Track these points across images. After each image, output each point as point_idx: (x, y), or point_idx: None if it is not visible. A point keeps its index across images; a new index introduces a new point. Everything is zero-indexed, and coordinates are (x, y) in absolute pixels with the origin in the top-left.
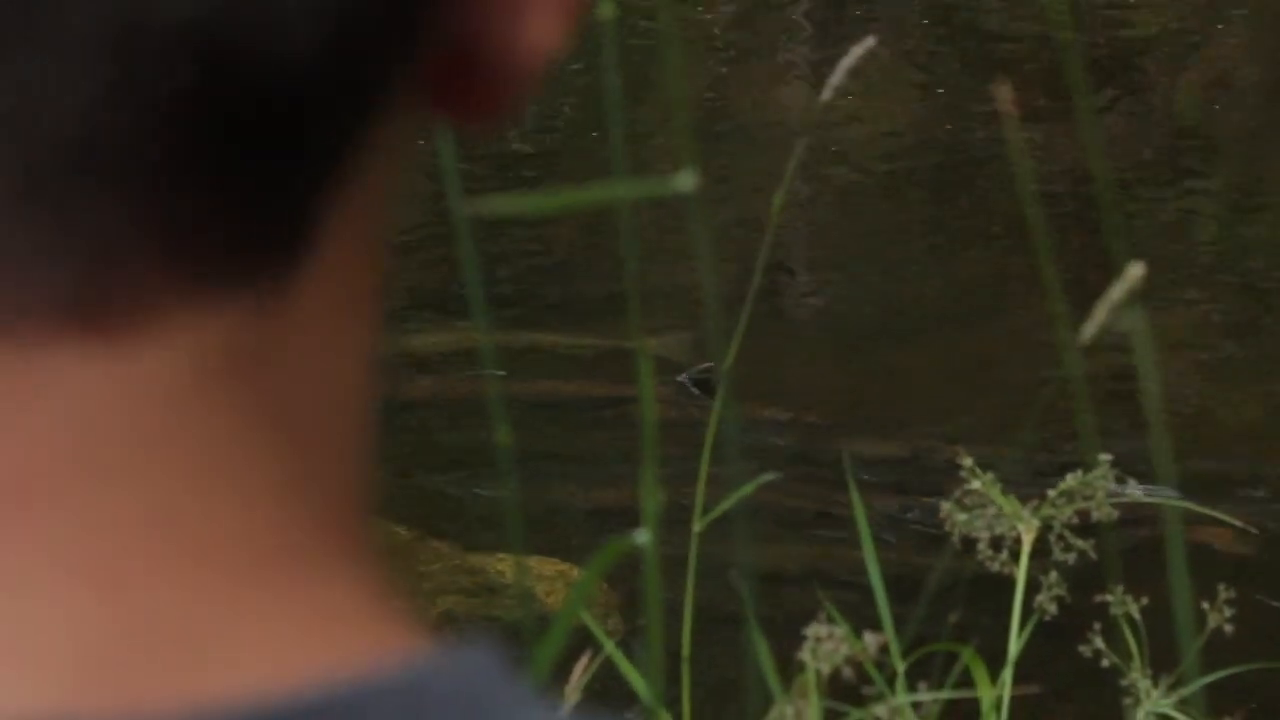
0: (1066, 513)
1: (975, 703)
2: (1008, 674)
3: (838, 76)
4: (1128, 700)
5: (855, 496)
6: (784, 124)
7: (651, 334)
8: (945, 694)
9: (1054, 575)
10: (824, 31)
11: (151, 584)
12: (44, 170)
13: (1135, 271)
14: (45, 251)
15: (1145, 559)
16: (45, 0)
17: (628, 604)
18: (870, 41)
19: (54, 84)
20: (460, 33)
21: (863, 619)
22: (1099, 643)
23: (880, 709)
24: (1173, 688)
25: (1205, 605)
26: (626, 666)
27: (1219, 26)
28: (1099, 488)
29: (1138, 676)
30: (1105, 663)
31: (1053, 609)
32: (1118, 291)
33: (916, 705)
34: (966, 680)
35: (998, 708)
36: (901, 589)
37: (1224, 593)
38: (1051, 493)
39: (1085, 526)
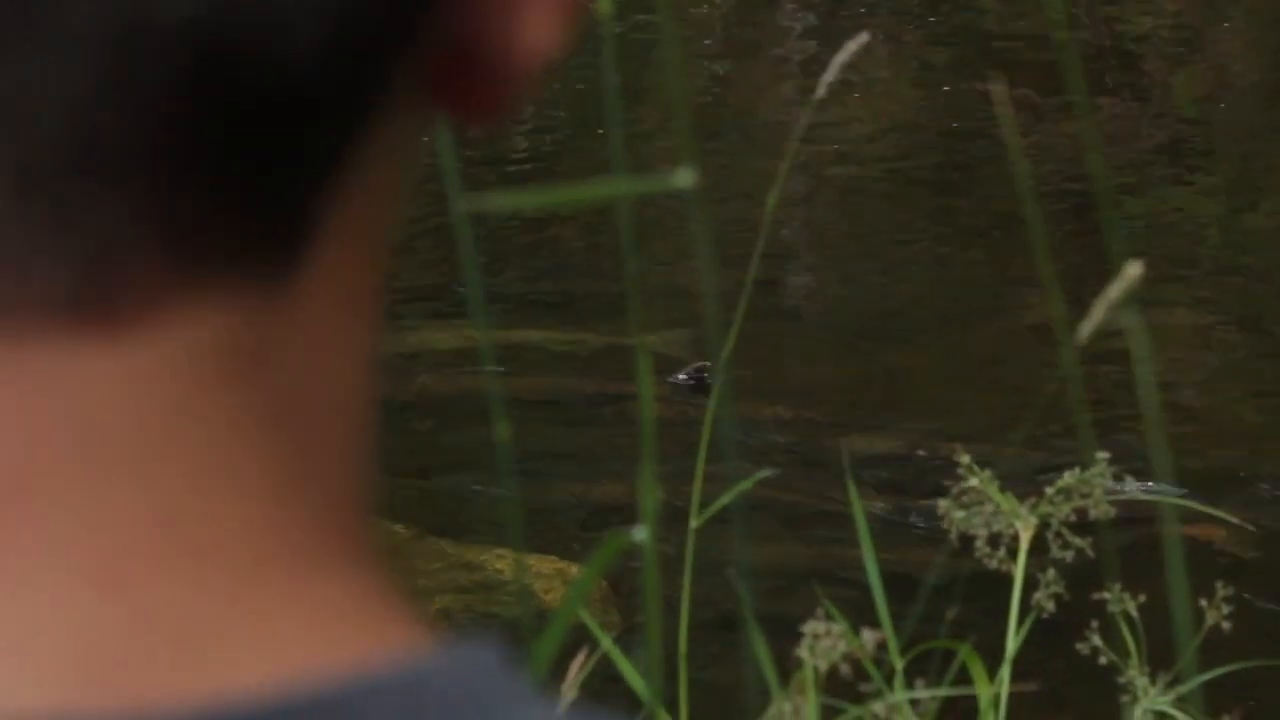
0: (1064, 510)
1: (973, 700)
2: (1005, 671)
3: (832, 73)
4: (1125, 698)
5: (853, 494)
6: (783, 122)
7: (650, 331)
8: (943, 691)
9: (1052, 573)
10: (823, 28)
11: (153, 582)
12: (42, 168)
13: (1133, 270)
14: (44, 249)
15: (1143, 557)
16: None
17: (625, 601)
18: (864, 37)
19: (53, 82)
20: (459, 33)
21: (861, 616)
22: (1097, 640)
23: (878, 706)
24: (1170, 685)
25: (1203, 603)
26: (624, 664)
27: (1220, 25)
28: (1097, 485)
29: (1135, 674)
30: (1103, 660)
31: (1050, 606)
32: (1116, 290)
33: (914, 702)
34: (964, 677)
35: (995, 705)
36: (899, 586)
37: (1222, 590)
38: (1049, 490)
39: (1083, 524)
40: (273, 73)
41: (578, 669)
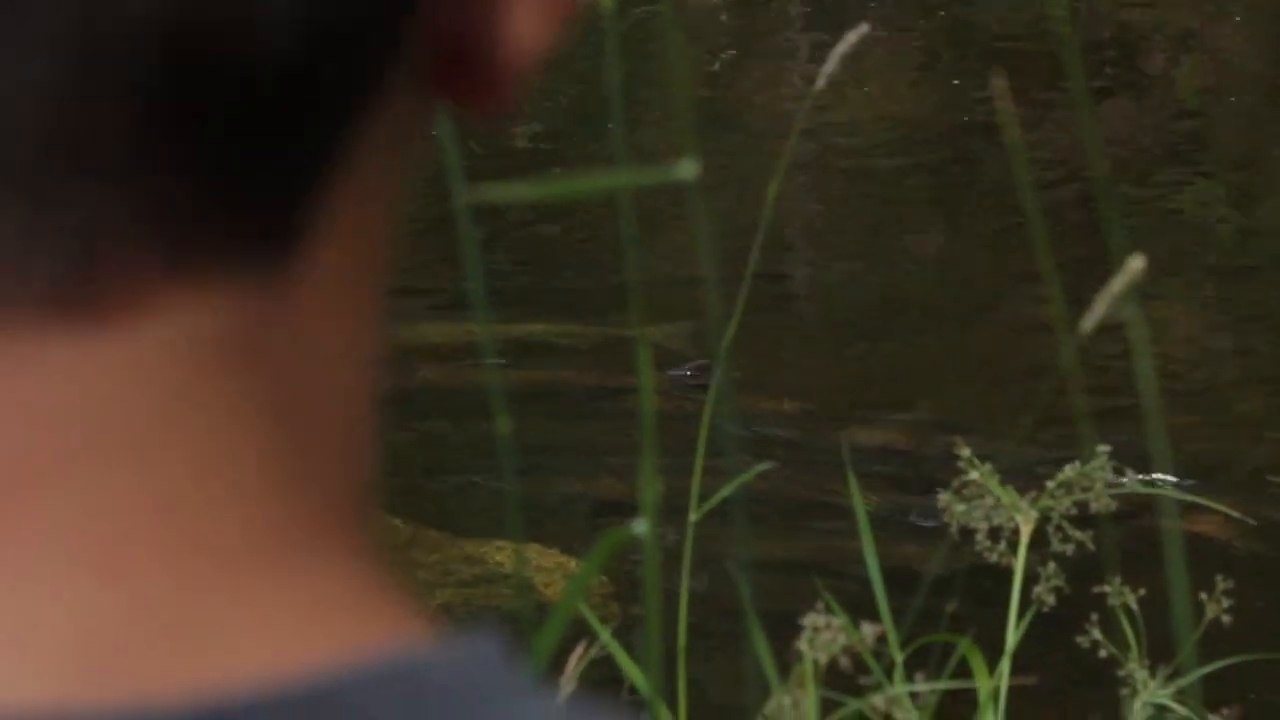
0: (1065, 504)
1: (973, 693)
2: (1005, 664)
3: (831, 64)
4: (1125, 691)
5: (854, 487)
6: (785, 114)
7: (651, 325)
8: (943, 684)
9: (1052, 566)
10: (823, 20)
11: (153, 570)
12: (17, 161)
13: (1136, 264)
14: (26, 240)
15: (1143, 550)
16: None
17: (625, 593)
18: (864, 28)
19: (21, 77)
20: (448, 30)
21: (860, 609)
22: (1097, 634)
23: (878, 699)
24: (1170, 679)
25: (1203, 596)
26: (623, 657)
27: (1222, 20)
28: (1097, 479)
29: (1135, 667)
30: (1103, 654)
31: (1051, 600)
32: (1118, 284)
33: (914, 695)
34: (964, 670)
35: (995, 698)
36: (899, 579)
37: (1222, 584)
38: (1050, 484)
39: (1083, 518)
40: (246, 64)
41: (576, 662)
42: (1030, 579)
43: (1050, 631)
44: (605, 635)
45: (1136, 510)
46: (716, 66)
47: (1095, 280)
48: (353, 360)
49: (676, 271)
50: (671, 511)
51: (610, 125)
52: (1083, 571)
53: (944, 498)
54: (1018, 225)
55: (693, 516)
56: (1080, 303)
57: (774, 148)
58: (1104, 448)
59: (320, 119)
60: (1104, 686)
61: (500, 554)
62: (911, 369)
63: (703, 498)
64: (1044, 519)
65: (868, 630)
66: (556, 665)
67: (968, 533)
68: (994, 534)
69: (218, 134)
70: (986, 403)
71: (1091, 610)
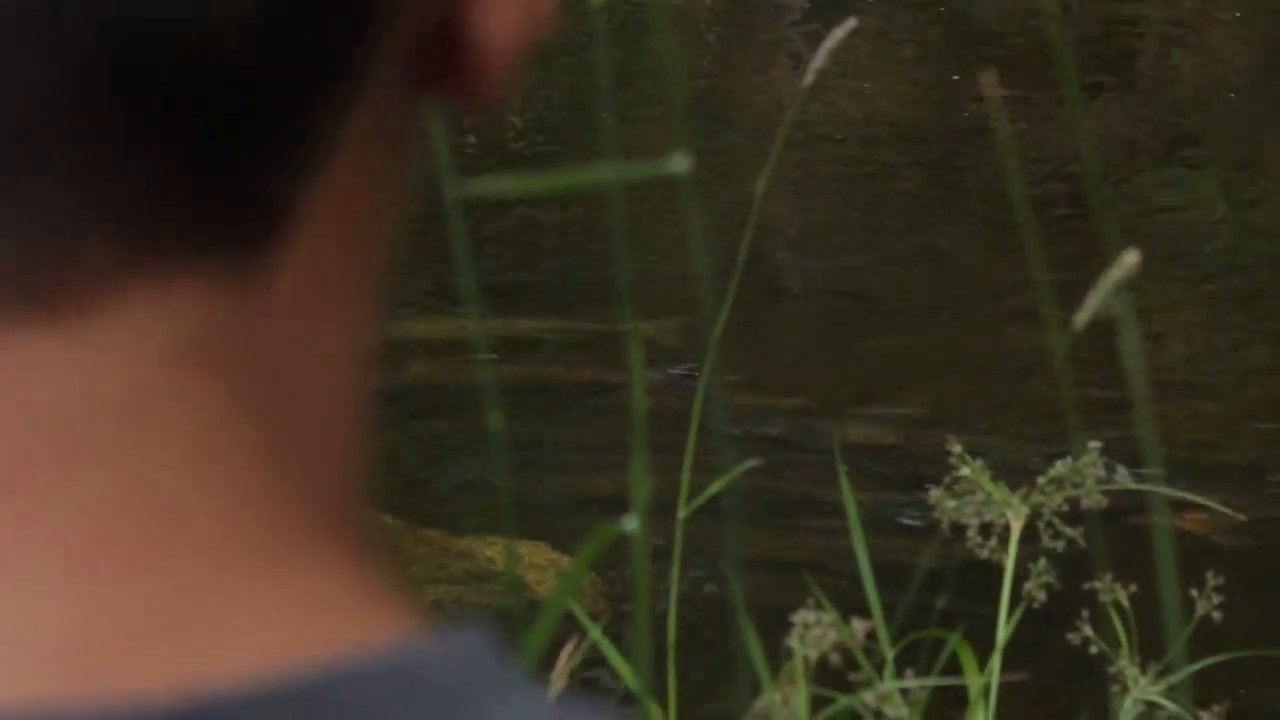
0: (1056, 500)
1: (963, 689)
2: (996, 660)
3: (820, 59)
4: (1115, 688)
5: (845, 483)
6: (777, 109)
7: (642, 320)
8: (933, 680)
9: (1043, 562)
10: (816, 14)
11: (135, 569)
12: None
13: (1129, 259)
14: None
15: (1134, 547)
16: None
17: (616, 590)
18: (852, 23)
19: None
20: (425, 24)
21: (851, 605)
22: (1087, 630)
23: (868, 695)
24: (1160, 675)
25: (1194, 593)
26: (613, 654)
27: (1213, 15)
28: (1088, 475)
29: (1126, 664)
30: (1093, 650)
31: (1041, 596)
32: (1111, 279)
33: (905, 691)
34: (955, 666)
35: (986, 694)
36: (890, 575)
37: (1212, 581)
38: (1041, 480)
39: (1074, 514)
40: (198, 60)
41: (566, 659)
42: (1021, 575)
43: (1041, 628)
44: (595, 632)
45: (1127, 507)
46: (715, 54)
47: (1087, 277)
48: (346, 359)
49: (669, 267)
50: (662, 508)
51: (604, 115)
52: (1073, 568)
53: (935, 494)
54: (1011, 222)
55: (681, 513)
56: (1073, 299)
57: (768, 143)
58: (1095, 444)
59: (284, 115)
60: (1094, 683)
61: (492, 550)
62: (902, 365)
63: (694, 494)
64: (1035, 515)
65: (858, 626)
66: (548, 661)
67: (959, 529)
68: (985, 530)
69: (172, 124)
70: (978, 399)
71: (1082, 606)
